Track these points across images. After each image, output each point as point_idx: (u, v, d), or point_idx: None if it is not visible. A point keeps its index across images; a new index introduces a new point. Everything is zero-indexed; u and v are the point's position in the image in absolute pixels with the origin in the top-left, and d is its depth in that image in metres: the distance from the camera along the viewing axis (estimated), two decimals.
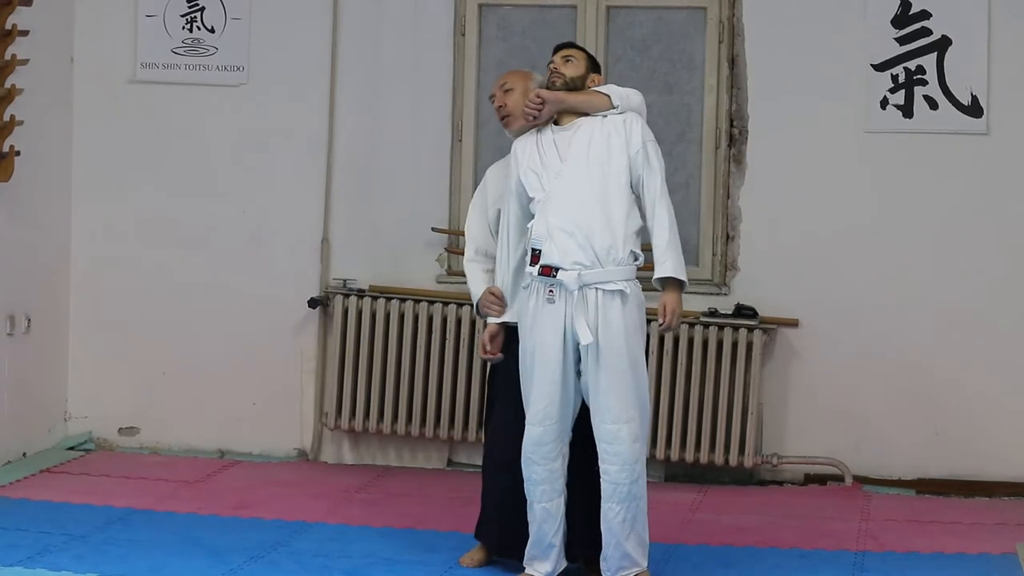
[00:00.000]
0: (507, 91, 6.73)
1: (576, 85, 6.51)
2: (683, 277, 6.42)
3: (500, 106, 6.74)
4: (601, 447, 6.40)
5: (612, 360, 6.33)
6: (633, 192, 6.42)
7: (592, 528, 6.47)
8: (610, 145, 6.41)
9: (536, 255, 6.38)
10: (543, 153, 6.46)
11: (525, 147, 6.54)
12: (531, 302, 6.42)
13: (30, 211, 8.52)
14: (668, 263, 6.40)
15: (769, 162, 8.40)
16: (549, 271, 6.35)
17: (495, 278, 6.66)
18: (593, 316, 6.33)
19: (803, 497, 8.22)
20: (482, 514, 6.81)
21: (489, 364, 6.89)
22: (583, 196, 6.35)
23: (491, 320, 6.63)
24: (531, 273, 6.41)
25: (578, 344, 6.34)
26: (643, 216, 6.43)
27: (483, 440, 7.04)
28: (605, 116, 6.47)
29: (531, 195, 6.46)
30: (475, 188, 8.50)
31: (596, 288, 6.33)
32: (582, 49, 6.71)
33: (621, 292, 6.34)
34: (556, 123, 6.53)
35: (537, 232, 6.39)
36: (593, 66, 6.63)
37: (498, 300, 6.60)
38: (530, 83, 6.74)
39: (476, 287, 6.73)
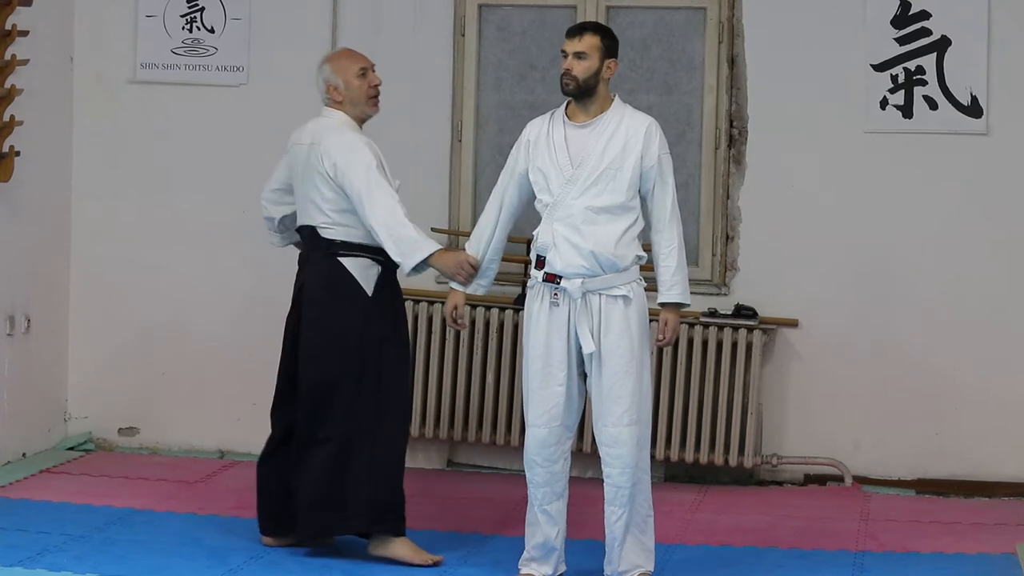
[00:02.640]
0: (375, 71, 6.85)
1: (591, 83, 6.37)
2: (688, 302, 6.47)
3: (377, 84, 6.84)
4: (603, 451, 6.41)
5: (615, 363, 6.33)
6: (639, 195, 6.41)
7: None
8: (625, 153, 6.35)
9: (541, 261, 6.38)
10: (553, 150, 6.40)
11: (538, 138, 6.44)
12: (535, 304, 6.42)
13: (30, 211, 8.52)
14: (676, 289, 6.44)
15: (769, 162, 8.40)
16: (553, 278, 6.35)
17: (470, 245, 6.63)
18: (597, 321, 6.33)
19: (803, 497, 8.22)
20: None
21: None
22: (592, 206, 6.32)
23: (456, 287, 6.62)
24: (536, 277, 6.40)
25: (582, 348, 6.35)
26: (647, 218, 6.44)
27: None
28: (622, 116, 6.41)
29: (538, 196, 6.44)
30: (475, 188, 8.58)
31: (600, 294, 6.33)
32: (597, 31, 6.45)
33: (624, 296, 6.34)
34: (568, 116, 6.44)
35: (543, 240, 6.37)
36: (608, 51, 6.39)
37: (473, 271, 6.60)
38: None
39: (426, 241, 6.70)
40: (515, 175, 6.51)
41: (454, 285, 6.63)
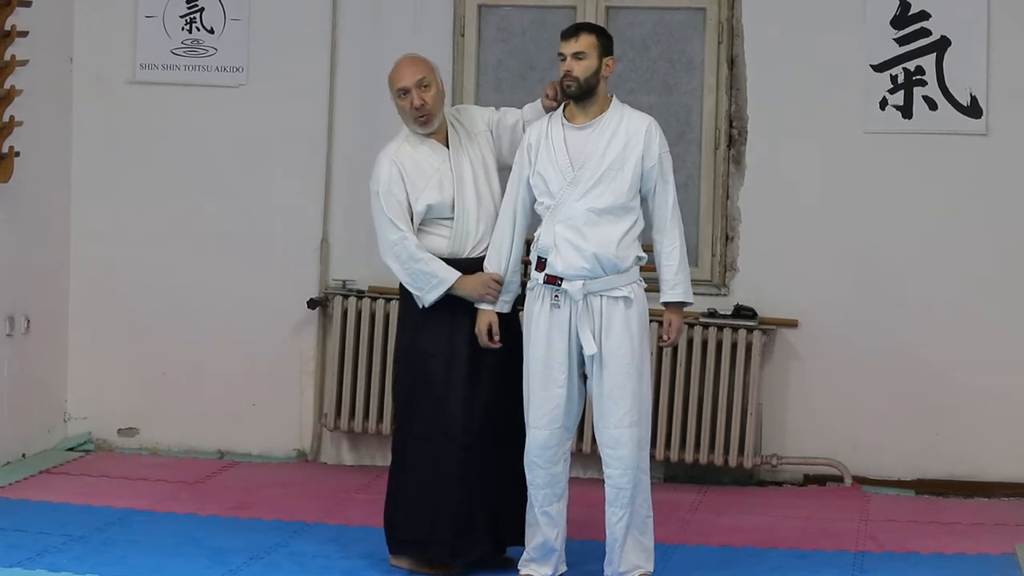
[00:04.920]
0: (426, 87, 6.57)
1: (592, 83, 6.35)
2: (691, 300, 6.46)
3: (421, 104, 6.55)
4: (604, 452, 6.41)
5: (616, 365, 6.32)
6: (640, 195, 6.40)
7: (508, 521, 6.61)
8: (625, 154, 6.34)
9: (542, 263, 6.37)
10: (553, 153, 6.38)
11: (538, 141, 6.42)
12: (536, 306, 6.41)
13: (30, 211, 8.52)
14: (679, 288, 6.44)
15: (768, 163, 8.40)
16: (554, 280, 6.34)
17: (491, 261, 6.52)
18: (598, 323, 6.33)
19: (802, 498, 8.22)
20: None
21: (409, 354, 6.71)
22: (593, 208, 6.31)
23: (486, 307, 6.53)
24: (536, 279, 6.40)
25: (582, 350, 6.34)
26: (647, 218, 6.43)
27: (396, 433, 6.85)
28: (622, 116, 6.39)
29: (539, 199, 6.42)
30: None
31: (601, 295, 6.33)
32: (592, 31, 6.44)
33: (626, 298, 6.34)
34: (567, 117, 6.42)
35: (544, 241, 6.36)
36: (605, 49, 6.39)
37: (499, 288, 6.53)
38: (437, 75, 6.64)
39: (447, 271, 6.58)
40: (523, 181, 6.48)
41: (482, 305, 6.53)
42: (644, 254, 6.43)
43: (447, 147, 6.65)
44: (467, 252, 6.60)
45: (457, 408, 6.56)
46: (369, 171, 9.01)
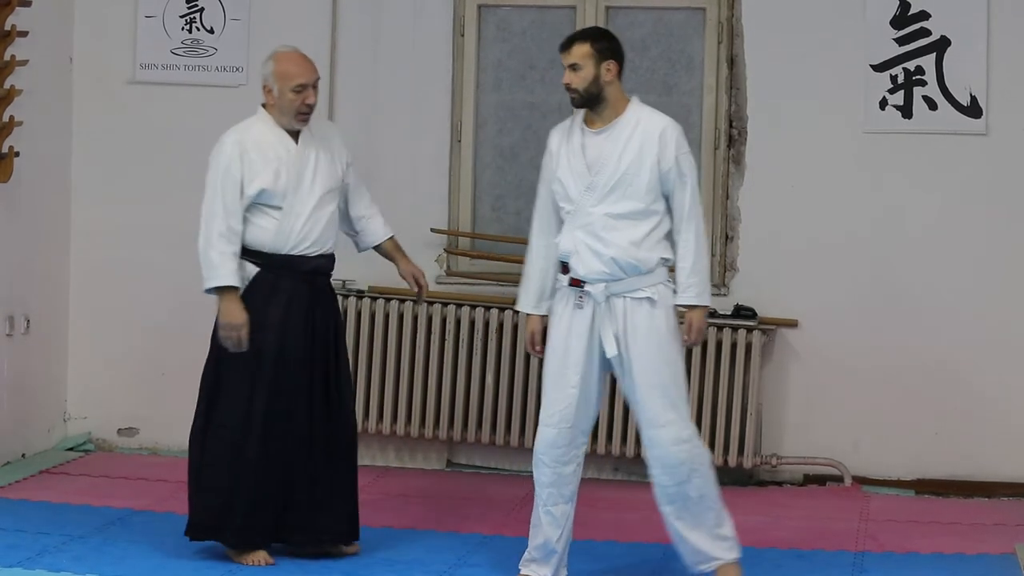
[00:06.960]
0: (315, 88, 6.65)
1: (594, 91, 6.30)
2: (706, 303, 6.40)
3: (312, 104, 6.64)
4: (646, 453, 6.40)
5: (643, 365, 6.30)
6: (663, 197, 6.36)
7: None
8: (642, 158, 6.30)
9: (565, 266, 6.37)
10: (571, 156, 6.36)
11: (559, 146, 6.40)
12: (560, 306, 6.41)
13: (30, 211, 8.52)
14: (691, 291, 6.36)
15: (768, 163, 8.41)
16: (577, 282, 6.34)
17: (530, 266, 6.48)
18: (621, 324, 6.31)
19: (802, 498, 8.22)
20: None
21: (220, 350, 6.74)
22: (611, 212, 6.29)
23: (531, 311, 6.50)
24: (562, 281, 6.40)
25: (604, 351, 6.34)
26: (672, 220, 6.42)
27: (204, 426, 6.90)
28: (638, 120, 6.35)
29: (559, 204, 6.41)
30: (474, 189, 8.57)
31: (624, 296, 6.31)
32: (586, 39, 6.36)
33: (649, 299, 6.31)
34: (586, 123, 6.39)
35: (564, 246, 6.35)
36: (602, 54, 6.31)
37: (240, 339, 6.57)
38: None
39: None
40: (549, 186, 6.47)
41: (531, 311, 6.48)
42: (671, 255, 6.37)
43: (296, 142, 6.68)
44: (288, 248, 6.63)
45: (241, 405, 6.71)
46: (369, 171, 9.03)
